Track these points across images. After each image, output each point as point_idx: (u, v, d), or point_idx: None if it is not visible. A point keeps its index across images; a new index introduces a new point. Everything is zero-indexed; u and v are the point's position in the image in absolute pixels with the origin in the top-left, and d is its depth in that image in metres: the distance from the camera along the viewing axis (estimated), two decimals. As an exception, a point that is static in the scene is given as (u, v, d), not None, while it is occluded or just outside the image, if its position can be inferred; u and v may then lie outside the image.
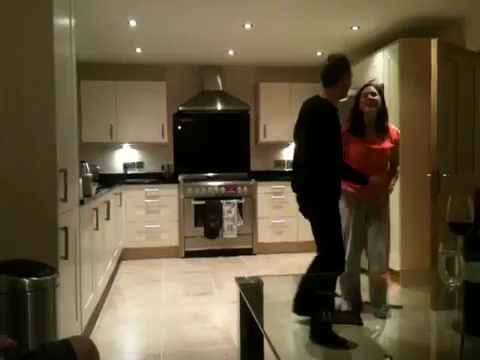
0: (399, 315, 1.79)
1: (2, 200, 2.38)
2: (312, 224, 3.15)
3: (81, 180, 3.33)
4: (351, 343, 1.47)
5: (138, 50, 5.78)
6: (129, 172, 6.62)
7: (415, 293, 2.13)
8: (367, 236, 3.40)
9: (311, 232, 3.18)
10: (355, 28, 4.93)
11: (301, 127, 3.16)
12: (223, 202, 6.04)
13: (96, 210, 3.76)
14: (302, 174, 3.13)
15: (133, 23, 4.70)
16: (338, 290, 2.27)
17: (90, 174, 3.86)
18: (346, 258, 3.27)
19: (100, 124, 6.18)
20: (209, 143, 6.84)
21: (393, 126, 3.51)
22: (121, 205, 5.76)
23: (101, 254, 4.07)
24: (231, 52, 5.98)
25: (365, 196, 3.33)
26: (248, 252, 6.13)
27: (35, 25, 2.42)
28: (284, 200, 6.15)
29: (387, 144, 3.37)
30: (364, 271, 3.63)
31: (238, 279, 2.11)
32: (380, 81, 4.63)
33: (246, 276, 2.24)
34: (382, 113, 3.38)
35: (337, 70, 3.06)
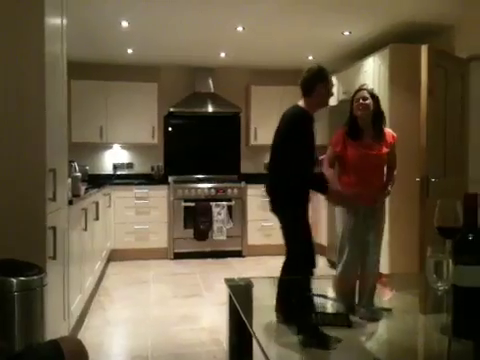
0: (388, 318, 1.81)
1: (-10, 199, 2.35)
2: (281, 227, 3.29)
3: (70, 180, 3.31)
4: (337, 338, 1.48)
5: (129, 51, 5.77)
6: (119, 173, 6.59)
7: (404, 296, 2.15)
8: (365, 241, 3.42)
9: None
10: (346, 33, 4.96)
11: (278, 133, 3.32)
12: (213, 204, 6.03)
13: (85, 210, 3.74)
14: (273, 180, 3.31)
15: (125, 24, 4.68)
16: (328, 293, 2.28)
17: (79, 174, 3.83)
18: (343, 262, 3.35)
19: (90, 124, 6.15)
20: (200, 145, 6.82)
21: (389, 130, 3.54)
22: (110, 206, 5.73)
23: (89, 254, 4.05)
24: (223, 54, 5.98)
25: (363, 201, 3.36)
26: (237, 254, 6.14)
27: (27, 24, 2.41)
28: (274, 203, 6.14)
29: (383, 149, 3.42)
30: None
31: (228, 281, 2.11)
32: (370, 86, 4.65)
33: (236, 278, 2.25)
34: (378, 116, 3.42)
35: (312, 81, 3.23)
